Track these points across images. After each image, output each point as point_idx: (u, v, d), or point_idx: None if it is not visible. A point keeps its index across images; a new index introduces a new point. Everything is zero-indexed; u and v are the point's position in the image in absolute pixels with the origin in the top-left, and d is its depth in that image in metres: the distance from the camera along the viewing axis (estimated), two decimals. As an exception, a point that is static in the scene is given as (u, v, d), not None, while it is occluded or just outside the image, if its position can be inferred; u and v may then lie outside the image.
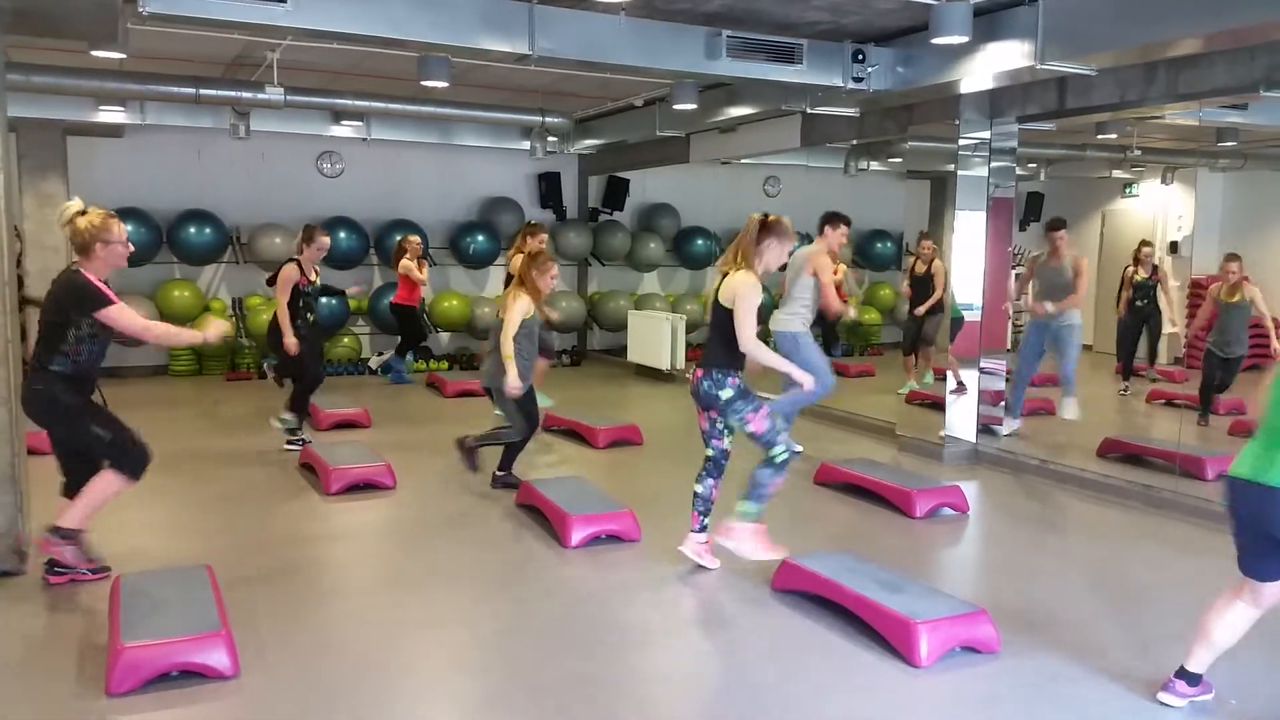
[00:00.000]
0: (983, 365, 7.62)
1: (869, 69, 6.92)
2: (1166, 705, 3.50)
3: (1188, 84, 5.92)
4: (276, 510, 5.92)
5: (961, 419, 7.58)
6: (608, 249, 12.82)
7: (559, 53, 6.23)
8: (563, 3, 6.15)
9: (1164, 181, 10.88)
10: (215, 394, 9.99)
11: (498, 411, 8.18)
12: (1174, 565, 5.21)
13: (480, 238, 12.02)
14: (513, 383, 5.98)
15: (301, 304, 7.26)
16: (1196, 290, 9.53)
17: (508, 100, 10.29)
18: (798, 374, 4.80)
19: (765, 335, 5.15)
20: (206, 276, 11.32)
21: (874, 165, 12.36)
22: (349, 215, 11.49)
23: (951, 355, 7.94)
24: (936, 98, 7.28)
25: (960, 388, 7.65)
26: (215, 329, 4.57)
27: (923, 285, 9.66)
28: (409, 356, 11.00)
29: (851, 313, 7.63)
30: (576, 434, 7.98)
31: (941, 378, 8.41)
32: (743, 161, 11.88)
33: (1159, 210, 11.00)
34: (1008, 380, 8.01)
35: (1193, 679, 3.49)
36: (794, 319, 7.08)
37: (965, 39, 5.82)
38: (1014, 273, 8.62)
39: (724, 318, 4.49)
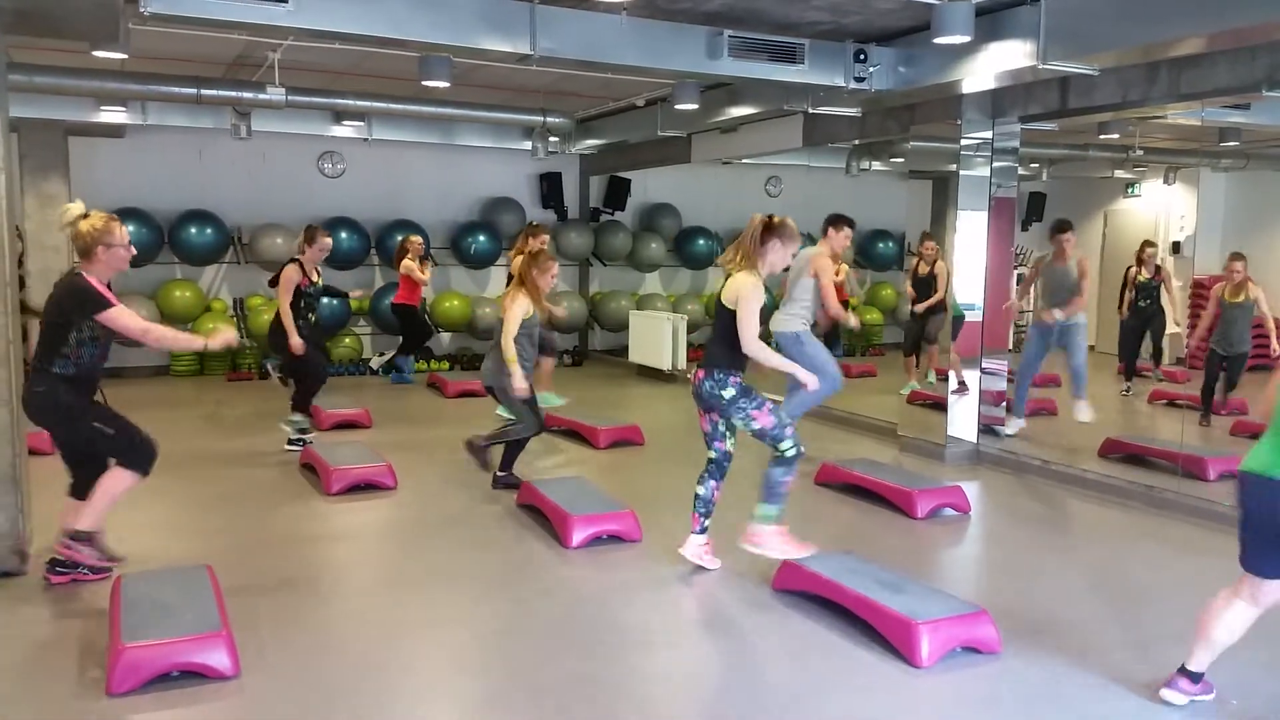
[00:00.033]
0: (984, 365, 7.62)
1: (871, 69, 6.91)
2: (1169, 702, 3.49)
3: (1190, 84, 5.91)
4: (277, 511, 5.92)
5: (963, 419, 7.57)
6: (609, 249, 12.82)
7: (560, 53, 6.23)
8: (564, 2, 6.14)
9: (1166, 181, 10.86)
10: (216, 394, 10.00)
11: (499, 410, 8.20)
12: (1175, 565, 5.21)
13: (481, 238, 12.03)
14: (518, 384, 5.99)
15: (303, 305, 7.27)
16: (1198, 290, 9.51)
17: (509, 100, 10.29)
18: (802, 374, 4.77)
19: (766, 336, 5.14)
20: (208, 277, 11.33)
21: (876, 165, 12.34)
22: (350, 215, 11.49)
23: (953, 354, 7.93)
24: (938, 97, 7.27)
25: (962, 387, 7.64)
26: (220, 338, 4.47)
27: (925, 286, 9.65)
28: (411, 356, 11.01)
29: (852, 321, 7.60)
30: (577, 434, 7.98)
31: (944, 378, 8.40)
32: (744, 161, 11.88)
33: (1161, 210, 10.97)
34: (1010, 380, 8.00)
35: (1195, 677, 3.49)
36: (794, 319, 7.07)
37: (967, 39, 5.81)
38: (1016, 273, 8.61)
39: (726, 319, 4.48)
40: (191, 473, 6.57)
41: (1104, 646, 4.04)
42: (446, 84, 7.25)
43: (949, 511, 6.02)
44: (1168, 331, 9.59)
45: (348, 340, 11.55)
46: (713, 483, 4.80)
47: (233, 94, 8.79)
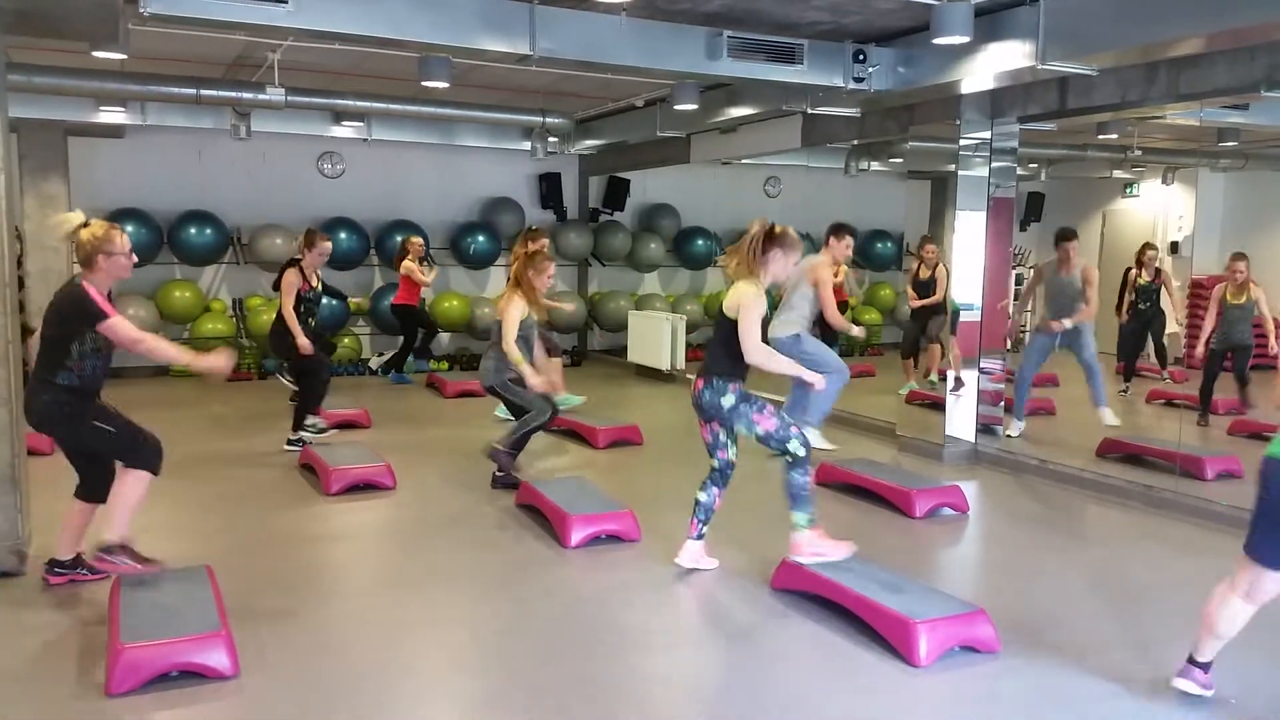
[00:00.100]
0: (983, 365, 7.62)
1: (870, 69, 6.92)
2: (1184, 692, 3.49)
3: (1189, 84, 5.92)
4: (277, 511, 5.92)
5: (961, 419, 7.57)
6: (608, 249, 12.82)
7: (560, 53, 6.23)
8: (563, 3, 6.15)
9: (1165, 181, 10.87)
10: (216, 395, 9.98)
11: (498, 412, 8.21)
12: (1174, 565, 5.21)
13: (481, 238, 12.03)
14: (532, 380, 6.08)
15: (303, 310, 7.30)
16: (1196, 290, 9.52)
17: (508, 100, 10.29)
18: (808, 375, 4.71)
19: (764, 343, 5.13)
20: (207, 277, 11.33)
21: (875, 165, 12.35)
22: (350, 216, 11.49)
23: (953, 349, 7.91)
24: (937, 98, 7.28)
25: (959, 383, 7.64)
26: (207, 362, 4.37)
27: (925, 290, 9.66)
28: (410, 357, 11.01)
29: (855, 330, 7.60)
30: (577, 434, 7.98)
31: (943, 378, 8.40)
32: (743, 162, 11.88)
33: (1160, 210, 10.98)
34: (1008, 380, 8.00)
35: (1205, 667, 3.49)
36: (790, 326, 7.10)
37: (966, 39, 5.82)
38: (1014, 273, 8.61)
39: (728, 328, 4.45)
40: (191, 473, 6.57)
41: (1103, 646, 4.05)
42: (446, 84, 7.25)
43: (947, 511, 6.03)
44: (1167, 331, 9.60)
45: (347, 340, 11.56)
46: (715, 490, 4.78)
47: (232, 94, 8.78)
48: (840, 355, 7.70)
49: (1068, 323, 7.71)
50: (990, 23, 6.07)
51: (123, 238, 4.33)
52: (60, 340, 4.24)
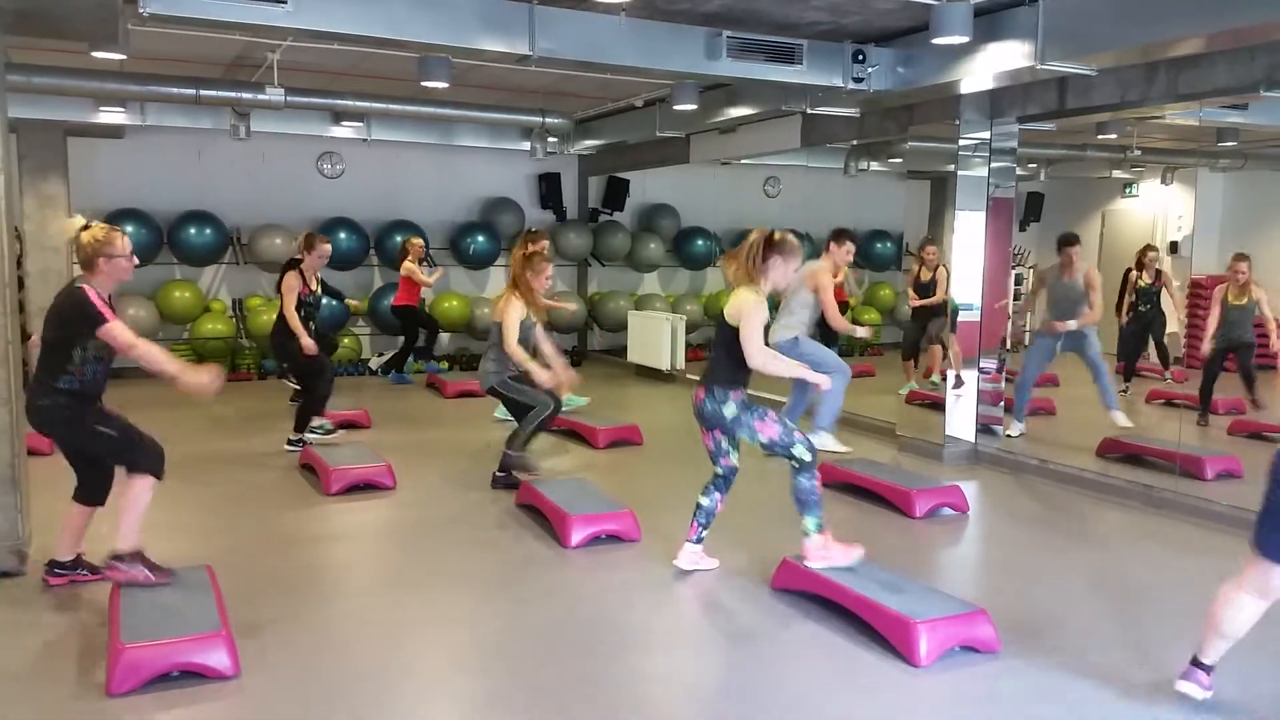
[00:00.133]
0: (982, 365, 7.62)
1: (869, 69, 6.92)
2: (1186, 695, 3.45)
3: (1188, 84, 5.92)
4: (277, 511, 5.92)
5: (961, 419, 7.58)
6: (608, 249, 12.82)
7: (559, 53, 6.23)
8: (563, 3, 6.15)
9: (1164, 181, 10.87)
10: (216, 395, 9.97)
11: (497, 413, 8.21)
12: (1174, 565, 5.21)
13: (480, 238, 12.03)
14: (541, 378, 6.12)
15: (303, 313, 7.31)
16: (1196, 290, 9.52)
17: (508, 101, 10.29)
18: (813, 376, 4.68)
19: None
20: (207, 277, 11.33)
21: (874, 165, 12.35)
22: (349, 216, 11.50)
23: (954, 346, 7.91)
24: (937, 98, 7.28)
25: (960, 382, 7.63)
26: (197, 381, 4.33)
27: (926, 291, 9.66)
28: (410, 357, 11.02)
29: (859, 332, 7.59)
30: (577, 434, 7.98)
31: (944, 378, 8.40)
32: (743, 162, 11.87)
33: (1159, 210, 10.99)
34: (1009, 381, 8.00)
35: (1208, 669, 3.46)
36: (788, 330, 7.10)
37: (966, 39, 5.82)
38: (1014, 273, 8.60)
39: (729, 336, 4.43)
40: (191, 473, 6.56)
41: (1103, 646, 4.05)
42: (445, 84, 7.25)
43: (947, 511, 6.03)
44: (1167, 331, 9.60)
45: (346, 340, 11.56)
46: (718, 495, 4.78)
47: (232, 94, 8.78)
48: (840, 355, 7.70)
49: (1072, 324, 7.71)
50: (989, 23, 6.07)
51: (124, 240, 4.32)
52: (61, 344, 4.23)
